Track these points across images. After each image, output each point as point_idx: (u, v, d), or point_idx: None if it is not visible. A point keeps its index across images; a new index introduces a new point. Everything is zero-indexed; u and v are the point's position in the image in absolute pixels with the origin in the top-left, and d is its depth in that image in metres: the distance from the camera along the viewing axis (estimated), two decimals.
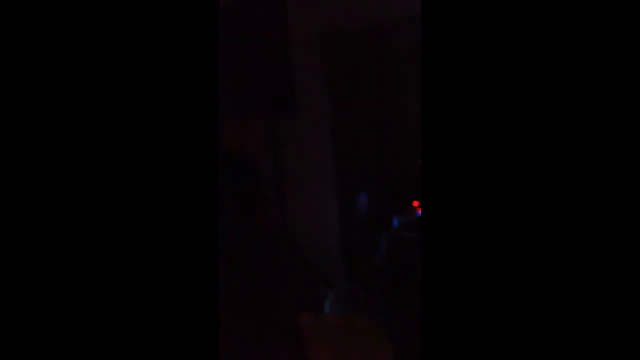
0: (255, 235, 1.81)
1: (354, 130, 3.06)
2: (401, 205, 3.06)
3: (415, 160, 2.69)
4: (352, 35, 2.91)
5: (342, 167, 3.09)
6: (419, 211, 2.78)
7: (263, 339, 1.75)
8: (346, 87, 3.01)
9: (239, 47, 2.60)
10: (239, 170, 1.76)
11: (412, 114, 2.92)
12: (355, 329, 2.78)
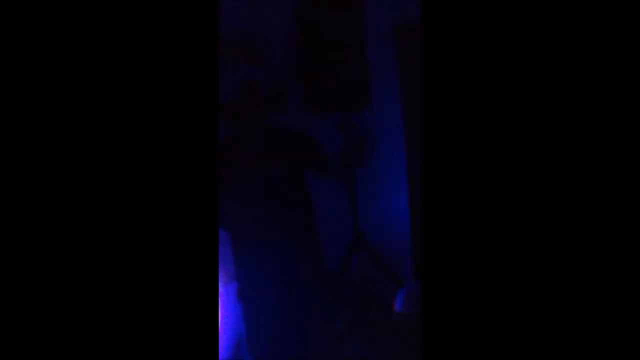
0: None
1: None
2: None
3: None
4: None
5: (413, 162, 3.02)
6: None
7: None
8: (419, 80, 2.95)
9: (314, 40, 2.61)
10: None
11: None
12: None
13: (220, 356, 2.53)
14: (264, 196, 1.74)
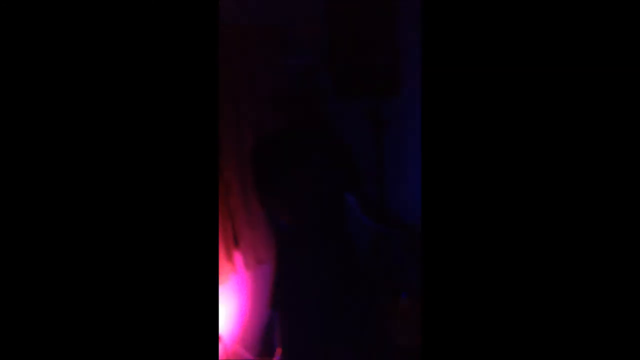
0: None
1: None
2: None
3: None
4: None
5: None
6: None
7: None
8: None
9: (344, 27, 2.58)
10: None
11: None
12: None
13: (251, 340, 2.58)
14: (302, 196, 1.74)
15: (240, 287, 2.57)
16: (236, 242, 2.51)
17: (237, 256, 2.55)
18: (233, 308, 2.51)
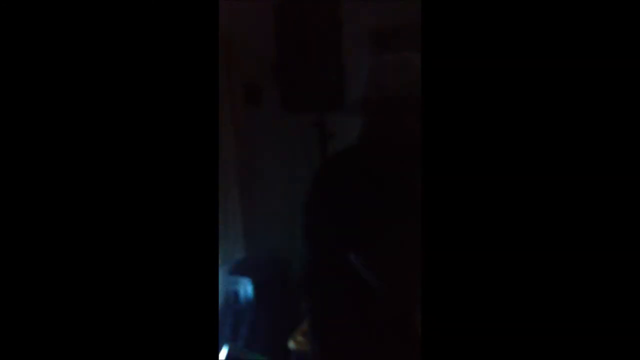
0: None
1: None
2: None
3: None
4: (401, 32, 2.90)
5: None
6: None
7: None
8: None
9: (291, 43, 2.63)
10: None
11: None
12: None
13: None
14: None
15: None
16: None
17: None
18: None
